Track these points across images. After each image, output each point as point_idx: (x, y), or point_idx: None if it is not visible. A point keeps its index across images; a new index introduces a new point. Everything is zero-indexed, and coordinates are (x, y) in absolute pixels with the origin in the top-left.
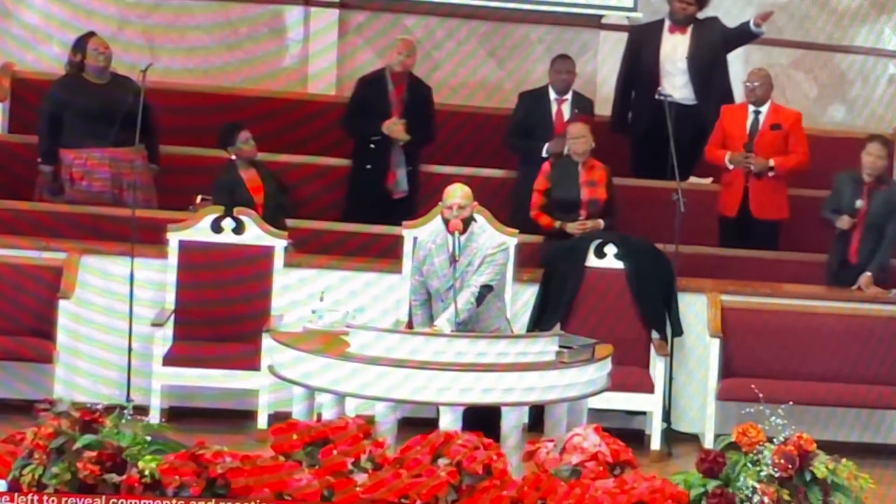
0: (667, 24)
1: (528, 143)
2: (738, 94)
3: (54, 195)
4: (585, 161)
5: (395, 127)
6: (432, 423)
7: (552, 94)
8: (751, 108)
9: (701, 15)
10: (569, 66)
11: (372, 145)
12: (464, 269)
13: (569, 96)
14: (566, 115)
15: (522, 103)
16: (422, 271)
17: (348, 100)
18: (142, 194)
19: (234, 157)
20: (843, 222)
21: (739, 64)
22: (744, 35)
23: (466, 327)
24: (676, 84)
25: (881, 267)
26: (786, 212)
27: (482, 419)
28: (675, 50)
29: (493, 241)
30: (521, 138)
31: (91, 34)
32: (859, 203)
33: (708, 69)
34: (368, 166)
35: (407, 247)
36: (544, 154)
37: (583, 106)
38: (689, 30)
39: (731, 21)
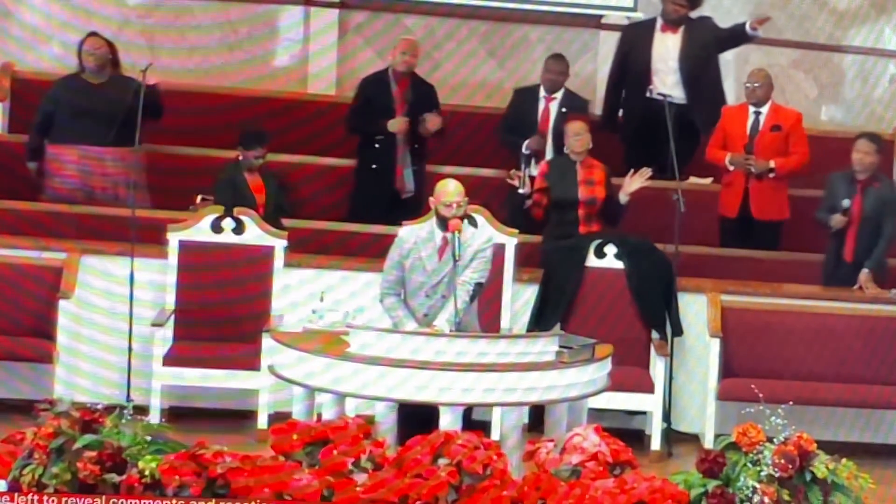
0: (659, 23)
1: (515, 139)
2: (730, 93)
3: (40, 192)
4: (584, 160)
5: (399, 125)
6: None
7: (541, 93)
8: (751, 108)
9: (694, 14)
10: (561, 67)
11: (377, 145)
12: (464, 264)
13: (559, 95)
14: (552, 114)
15: (515, 99)
16: (404, 266)
17: (351, 100)
18: (128, 192)
19: (241, 157)
20: (836, 221)
21: (739, 64)
22: (738, 37)
23: (458, 327)
24: (667, 83)
25: (879, 264)
26: (786, 212)
27: (419, 418)
28: (666, 49)
29: (481, 236)
30: (509, 134)
31: (89, 35)
32: (846, 202)
33: (699, 69)
34: (374, 166)
35: None
36: (524, 150)
37: (576, 105)
38: (681, 30)
39: (728, 20)
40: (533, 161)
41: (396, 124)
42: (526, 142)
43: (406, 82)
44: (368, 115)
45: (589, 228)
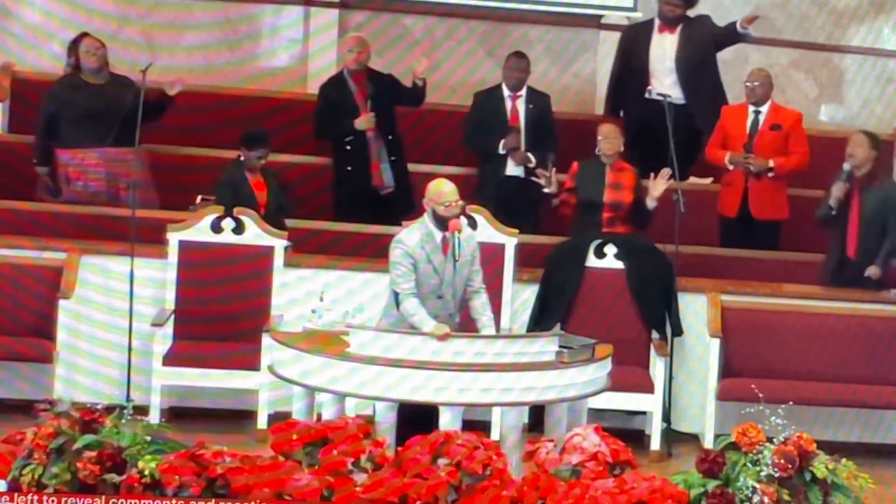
0: (657, 23)
1: (487, 141)
2: (731, 93)
3: (53, 196)
4: (614, 163)
5: (367, 123)
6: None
7: (505, 91)
8: (751, 108)
9: (692, 13)
10: (521, 65)
11: (348, 146)
12: (462, 264)
13: (523, 92)
14: (521, 111)
15: (478, 102)
16: (413, 265)
17: (315, 108)
18: (141, 193)
19: (243, 157)
20: (837, 188)
21: (739, 64)
22: (731, 35)
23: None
24: (665, 83)
25: (886, 263)
26: (786, 212)
27: (419, 418)
28: (664, 49)
29: (473, 238)
30: (478, 135)
31: (84, 35)
32: (846, 166)
33: (696, 68)
34: (349, 168)
35: None
36: (501, 150)
37: (538, 101)
38: (679, 29)
39: (727, 20)
40: (551, 160)
41: (364, 122)
42: (502, 140)
43: (362, 78)
44: (334, 118)
45: (612, 231)
